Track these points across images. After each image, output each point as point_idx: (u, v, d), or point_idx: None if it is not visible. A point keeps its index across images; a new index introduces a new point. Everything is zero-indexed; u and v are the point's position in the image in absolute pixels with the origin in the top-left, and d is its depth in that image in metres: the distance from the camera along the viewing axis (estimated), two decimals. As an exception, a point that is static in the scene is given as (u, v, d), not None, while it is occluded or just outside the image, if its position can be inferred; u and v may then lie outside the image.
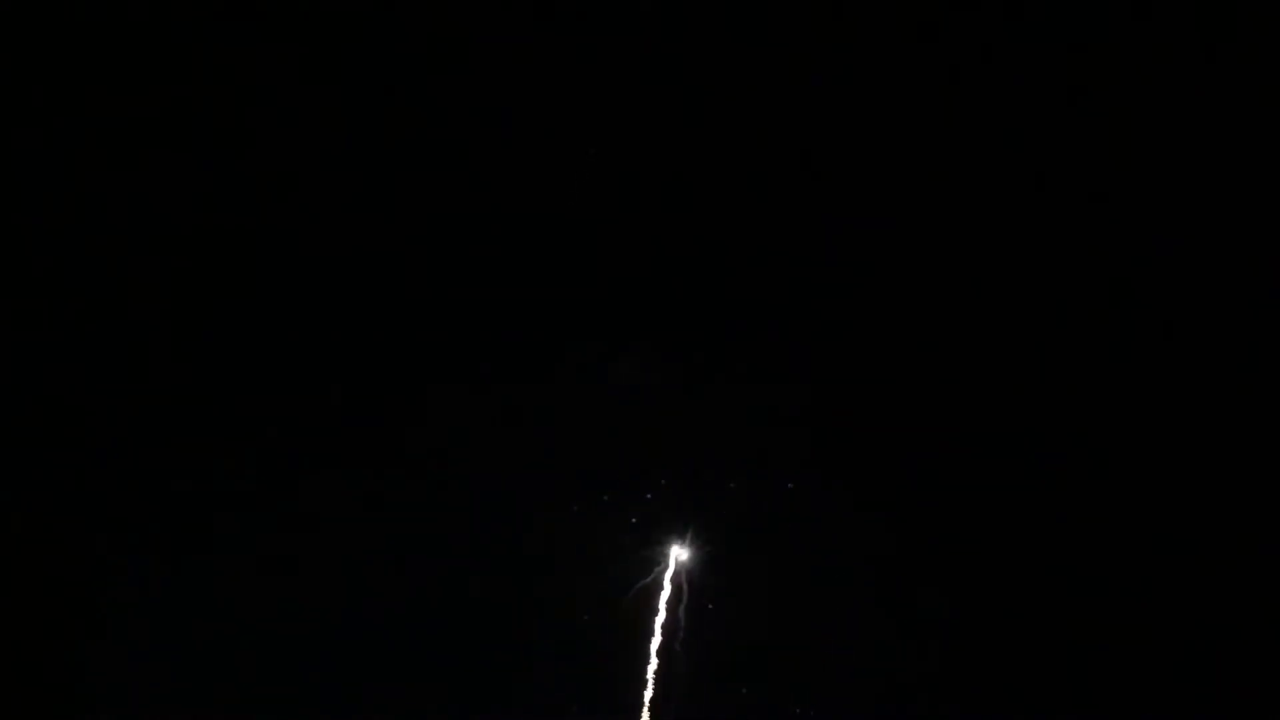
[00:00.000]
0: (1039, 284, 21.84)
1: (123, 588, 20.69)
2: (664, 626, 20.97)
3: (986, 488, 21.56)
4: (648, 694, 20.84)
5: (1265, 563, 20.93)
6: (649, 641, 20.98)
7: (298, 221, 21.64)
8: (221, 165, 21.39)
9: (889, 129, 21.62)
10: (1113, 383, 21.62)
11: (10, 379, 20.48)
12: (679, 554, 21.14)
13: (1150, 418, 21.43)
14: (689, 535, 21.14)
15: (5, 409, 20.40)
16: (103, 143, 20.98)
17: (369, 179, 21.77)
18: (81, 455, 20.69)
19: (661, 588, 21.07)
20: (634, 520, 21.15)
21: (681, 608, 20.99)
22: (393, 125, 21.72)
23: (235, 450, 21.29)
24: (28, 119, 20.67)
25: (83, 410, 20.80)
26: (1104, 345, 21.71)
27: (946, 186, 21.61)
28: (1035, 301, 21.80)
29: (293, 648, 20.94)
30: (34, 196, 20.74)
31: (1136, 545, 21.38)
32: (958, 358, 21.72)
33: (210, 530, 21.18)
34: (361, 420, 21.55)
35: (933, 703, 21.13)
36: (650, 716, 20.77)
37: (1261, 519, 21.06)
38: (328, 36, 21.40)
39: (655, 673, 20.90)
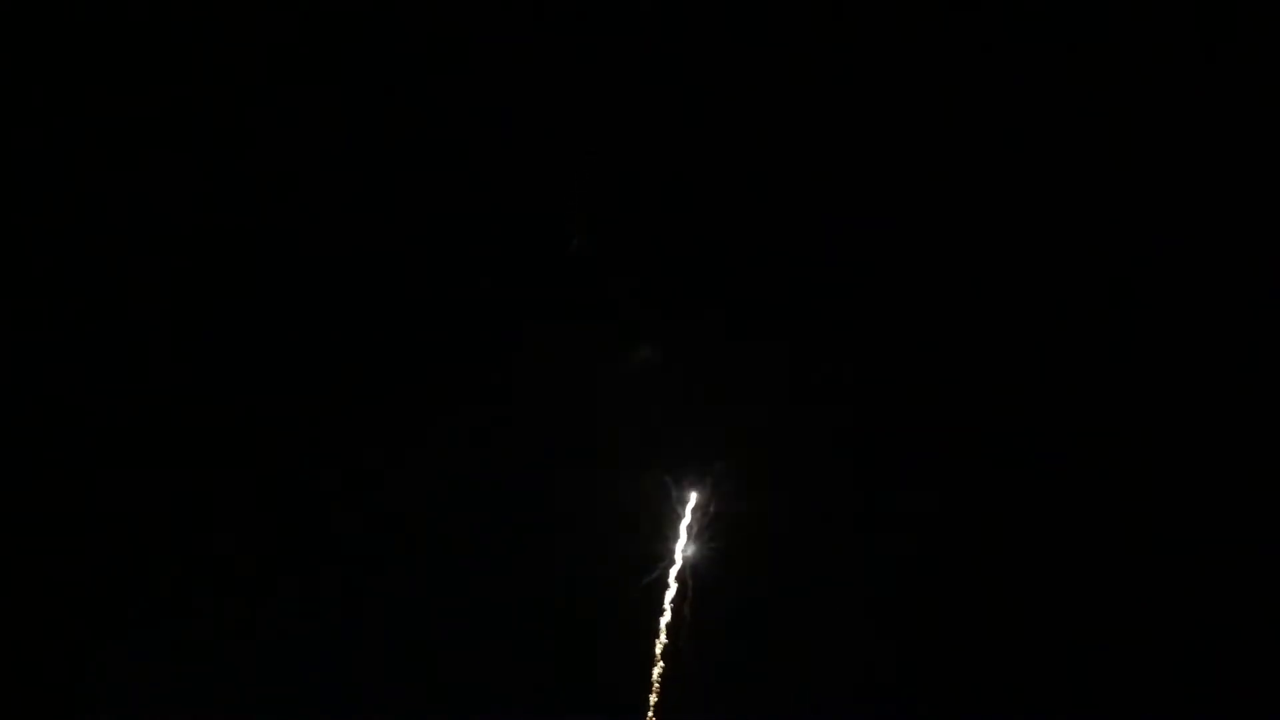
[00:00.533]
0: (1039, 285, 21.90)
1: (123, 588, 20.64)
2: (669, 626, 20.93)
3: (996, 489, 21.58)
4: (652, 698, 20.79)
5: (1265, 563, 20.98)
6: (653, 641, 20.93)
7: (298, 221, 21.62)
8: (221, 165, 21.36)
9: (890, 128, 21.69)
10: (1116, 385, 21.69)
11: (10, 379, 20.42)
12: (685, 551, 21.12)
13: (1154, 420, 21.49)
14: (695, 531, 21.13)
15: (5, 409, 20.33)
16: (103, 143, 20.93)
17: (369, 179, 21.77)
18: (82, 455, 20.64)
19: (667, 586, 21.05)
20: (638, 517, 21.17)
21: (686, 606, 20.96)
22: (393, 125, 21.73)
23: (235, 449, 21.25)
24: (28, 119, 20.62)
25: (83, 410, 20.74)
26: (1105, 346, 21.78)
27: (950, 186, 21.69)
28: (1036, 302, 21.86)
29: (293, 647, 20.92)
30: (34, 196, 20.68)
31: (1141, 550, 21.42)
32: (963, 358, 21.79)
33: (210, 530, 21.13)
34: (362, 419, 21.54)
35: (938, 704, 21.13)
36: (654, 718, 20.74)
37: (1262, 519, 21.14)
38: (328, 36, 21.39)
39: (660, 675, 20.84)
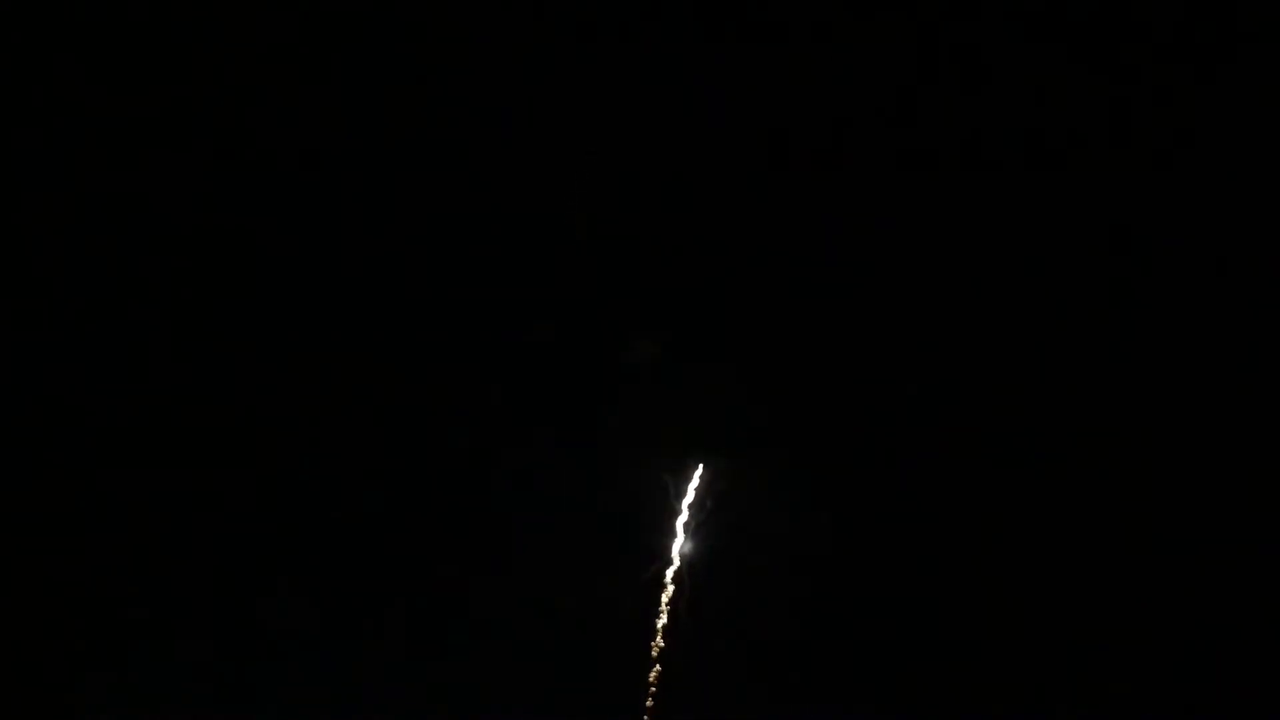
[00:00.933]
0: (1039, 284, 21.90)
1: (123, 588, 20.68)
2: (665, 628, 20.89)
3: (996, 489, 21.57)
4: (648, 701, 20.75)
5: (1265, 563, 20.96)
6: (650, 642, 20.91)
7: (298, 221, 21.66)
8: (221, 165, 21.41)
9: (890, 129, 21.71)
10: (1114, 384, 21.68)
11: (10, 379, 20.45)
12: (682, 550, 21.09)
13: (1151, 419, 21.49)
14: (693, 530, 21.11)
15: (5, 409, 20.37)
16: (103, 143, 20.98)
17: (369, 179, 21.81)
18: (82, 456, 20.69)
19: (664, 587, 21.02)
20: (636, 517, 21.16)
21: (683, 606, 20.93)
22: (393, 125, 21.76)
23: (235, 449, 21.28)
24: (28, 119, 20.67)
25: (83, 410, 20.78)
26: (1104, 346, 21.77)
27: (952, 186, 21.70)
28: (1036, 302, 21.85)
29: (292, 647, 20.94)
30: (34, 196, 20.73)
31: (1137, 546, 21.40)
32: (965, 358, 21.78)
33: (210, 530, 21.17)
34: (361, 420, 21.57)
35: (937, 704, 21.12)
36: None
37: (1261, 519, 21.12)
38: (328, 37, 21.42)
39: (657, 676, 20.81)
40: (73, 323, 20.85)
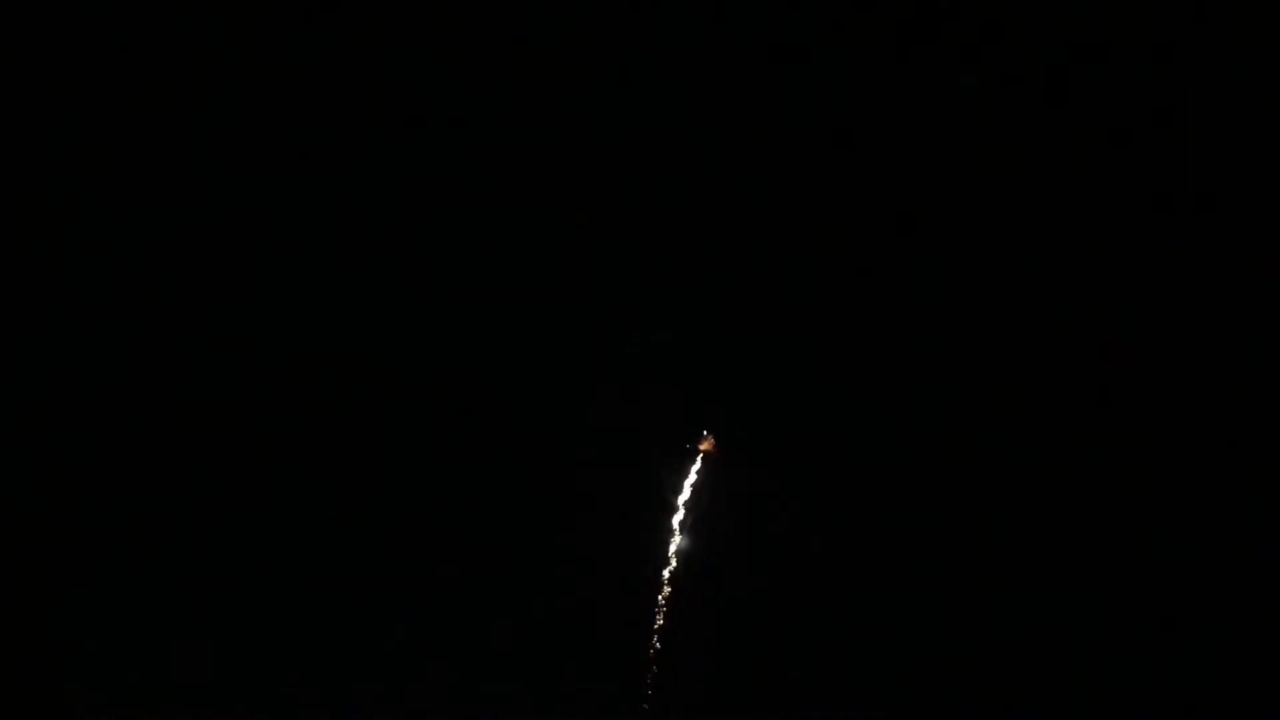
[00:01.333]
0: (1039, 284, 21.86)
1: (122, 588, 20.72)
2: (661, 629, 20.90)
3: (994, 487, 21.51)
4: (645, 704, 20.75)
5: (1265, 563, 20.90)
6: (648, 644, 20.91)
7: (297, 221, 21.67)
8: (220, 164, 21.43)
9: (889, 127, 21.68)
10: (1114, 384, 21.64)
11: (10, 379, 20.49)
12: (680, 548, 21.09)
13: (1151, 419, 21.43)
14: (690, 529, 21.12)
15: (5, 409, 20.41)
16: (103, 142, 21.01)
17: (369, 178, 21.81)
18: (82, 455, 20.72)
19: (661, 587, 21.02)
20: (633, 515, 21.17)
21: (681, 607, 20.94)
22: (392, 125, 21.77)
23: (235, 449, 21.31)
24: (28, 119, 20.71)
25: (83, 410, 20.82)
26: (1105, 346, 21.72)
27: (951, 183, 21.67)
28: (1036, 302, 21.81)
29: (292, 647, 20.97)
30: (33, 196, 20.77)
31: (1137, 546, 21.35)
32: (962, 357, 21.74)
33: (209, 529, 21.19)
34: (359, 418, 21.58)
35: (939, 704, 21.09)
36: None
37: (1262, 519, 21.06)
38: (327, 36, 21.44)
39: (653, 678, 20.81)
40: (73, 323, 20.88)
